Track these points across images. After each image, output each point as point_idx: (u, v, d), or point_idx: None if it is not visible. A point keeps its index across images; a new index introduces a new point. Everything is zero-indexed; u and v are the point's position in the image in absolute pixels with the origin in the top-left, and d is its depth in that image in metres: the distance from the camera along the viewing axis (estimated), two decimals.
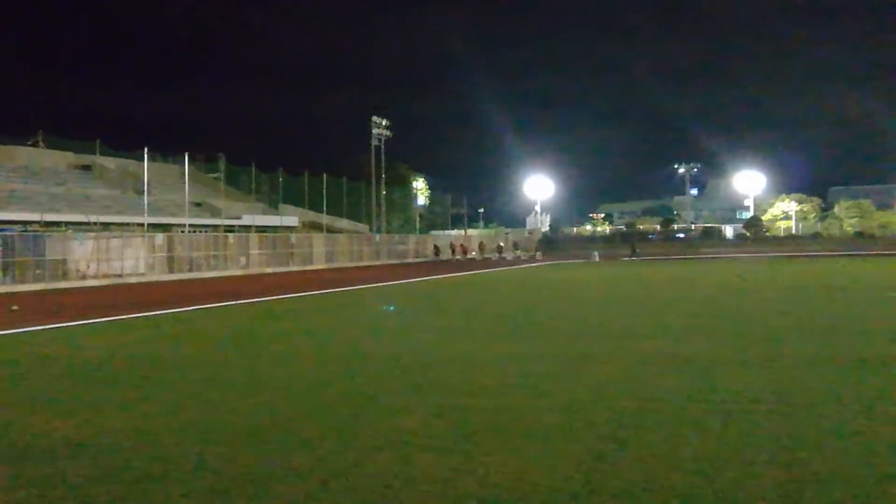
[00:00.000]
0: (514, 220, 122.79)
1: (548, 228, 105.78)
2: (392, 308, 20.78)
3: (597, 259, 67.42)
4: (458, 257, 71.07)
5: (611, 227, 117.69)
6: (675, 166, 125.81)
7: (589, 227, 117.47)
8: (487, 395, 9.11)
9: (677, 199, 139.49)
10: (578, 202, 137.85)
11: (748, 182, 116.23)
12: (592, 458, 6.49)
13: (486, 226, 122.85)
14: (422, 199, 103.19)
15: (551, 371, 10.69)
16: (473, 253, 73.63)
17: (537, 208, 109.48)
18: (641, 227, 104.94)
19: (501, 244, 77.63)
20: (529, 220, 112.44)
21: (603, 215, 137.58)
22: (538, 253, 75.40)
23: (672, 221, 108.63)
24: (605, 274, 41.48)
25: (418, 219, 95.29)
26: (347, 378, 10.54)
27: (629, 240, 79.66)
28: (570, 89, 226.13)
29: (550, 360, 11.67)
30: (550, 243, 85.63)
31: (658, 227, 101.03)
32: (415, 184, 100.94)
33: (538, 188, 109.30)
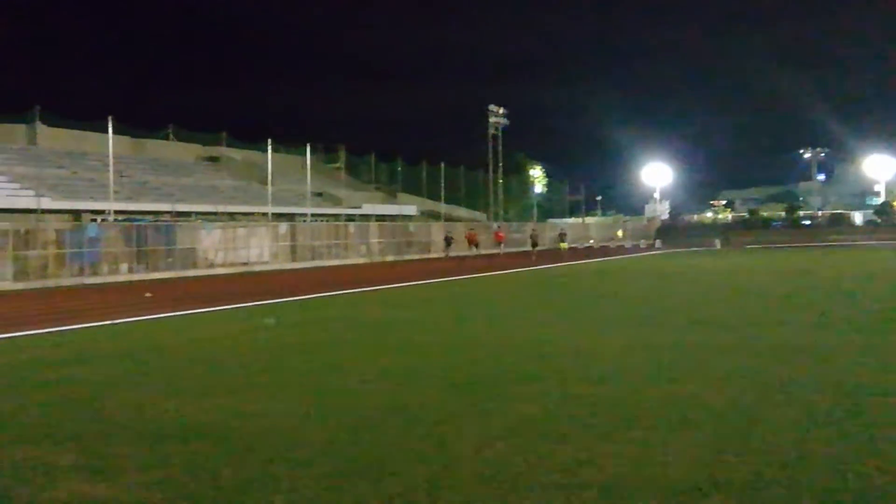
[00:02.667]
0: (633, 207, 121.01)
1: (667, 216, 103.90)
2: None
3: (718, 247, 65.90)
4: (461, 252, 52.92)
5: (733, 214, 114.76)
6: (801, 151, 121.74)
7: (710, 215, 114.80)
8: (609, 384, 9.04)
9: (803, 185, 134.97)
10: (698, 189, 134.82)
11: (878, 166, 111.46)
12: (716, 449, 6.38)
13: (603, 213, 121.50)
14: (539, 188, 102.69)
15: (674, 361, 10.53)
16: (501, 245, 56.65)
17: (656, 195, 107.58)
18: (765, 213, 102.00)
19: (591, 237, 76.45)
20: (648, 208, 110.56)
21: (724, 202, 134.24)
22: (657, 241, 74.15)
23: (797, 208, 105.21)
24: (726, 262, 40.51)
25: (535, 207, 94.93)
26: (468, 366, 10.62)
27: (720, 231, 77.75)
28: (689, 73, 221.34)
29: (673, 349, 11.50)
30: (670, 231, 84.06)
31: (783, 213, 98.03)
32: (532, 172, 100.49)
33: (656, 175, 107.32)
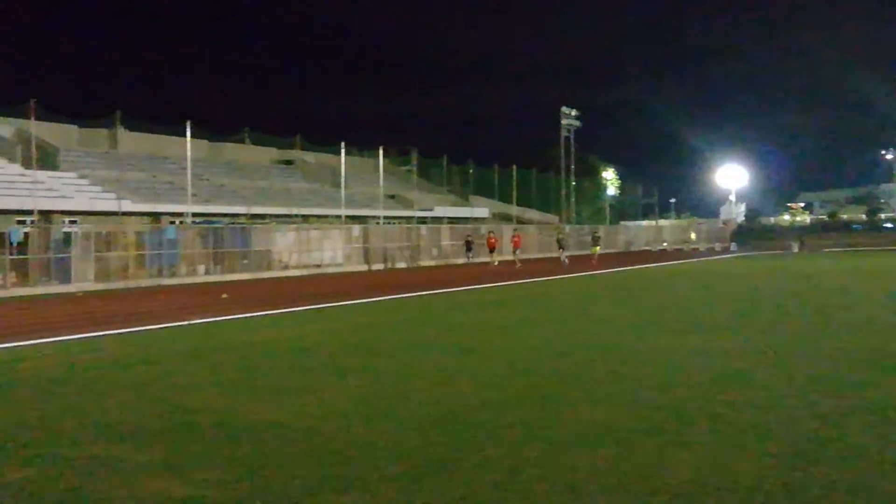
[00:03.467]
0: (707, 210, 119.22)
1: (743, 218, 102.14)
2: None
3: (796, 250, 64.59)
4: (485, 259, 47.48)
5: (811, 216, 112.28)
6: (883, 152, 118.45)
7: (787, 217, 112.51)
8: (679, 390, 8.94)
9: (885, 186, 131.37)
10: (775, 191, 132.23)
11: None
12: (790, 457, 6.26)
13: (677, 216, 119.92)
14: (612, 190, 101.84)
15: (747, 366, 10.37)
16: (517, 253, 45.47)
17: (731, 197, 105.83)
18: (845, 216, 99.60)
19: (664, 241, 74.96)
20: (723, 210, 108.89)
21: (803, 205, 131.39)
22: (732, 244, 72.96)
23: (879, 210, 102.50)
24: (804, 265, 39.67)
25: (608, 209, 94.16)
26: (536, 368, 10.60)
27: (797, 234, 75.98)
28: (767, 72, 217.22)
29: (746, 355, 11.31)
30: (746, 233, 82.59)
31: (864, 216, 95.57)
32: (604, 174, 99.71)
33: (732, 177, 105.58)
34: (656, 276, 33.01)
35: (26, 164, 45.18)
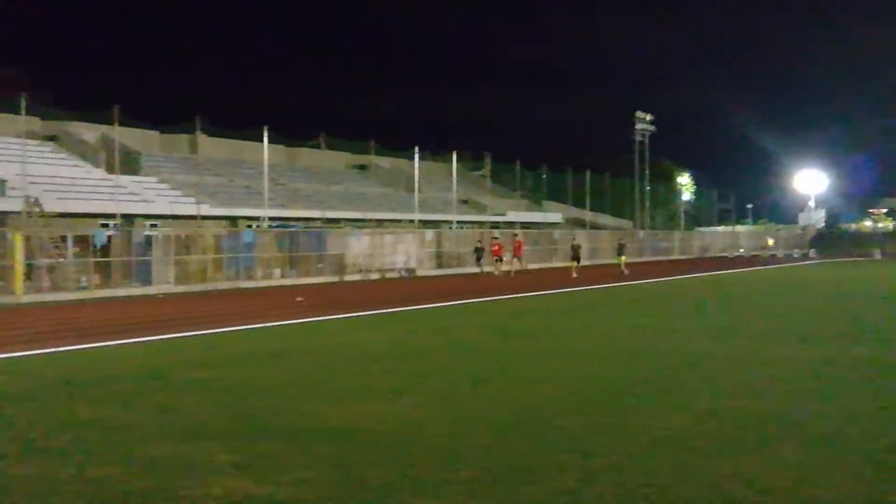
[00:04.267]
0: (785, 216, 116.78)
1: (822, 225, 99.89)
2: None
3: (878, 257, 62.93)
4: (486, 268, 41.78)
5: (894, 222, 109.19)
6: None
7: (869, 224, 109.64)
8: (759, 398, 8.79)
9: None
10: (856, 196, 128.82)
11: None
12: (873, 469, 6.11)
13: (754, 222, 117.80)
14: (687, 195, 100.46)
15: (828, 376, 10.15)
16: (514, 262, 41.78)
17: (811, 203, 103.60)
18: None
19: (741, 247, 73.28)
20: (802, 216, 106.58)
21: (885, 211, 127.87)
22: (811, 250, 71.41)
23: None
24: (888, 273, 38.63)
25: (683, 215, 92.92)
26: (613, 375, 10.51)
27: (880, 240, 74.05)
28: (844, 76, 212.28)
29: (826, 365, 11.07)
30: (826, 240, 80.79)
31: None
32: (679, 179, 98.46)
33: (811, 182, 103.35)
34: (735, 283, 32.46)
35: (110, 168, 46.36)
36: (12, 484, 6.06)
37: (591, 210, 73.31)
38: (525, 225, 63.68)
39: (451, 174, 59.68)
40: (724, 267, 47.65)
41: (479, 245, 42.47)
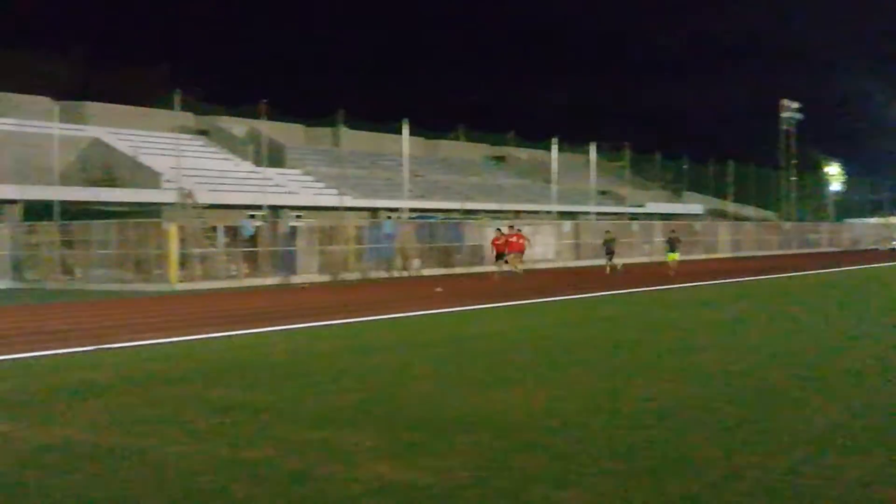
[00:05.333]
0: None
1: None
2: None
3: None
4: (500, 270, 32.66)
5: None
6: None
7: None
8: None
9: None
10: None
11: None
12: None
13: None
14: (836, 186, 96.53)
15: None
16: (512, 259, 33.05)
17: None
18: None
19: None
20: None
21: None
22: None
23: None
24: None
25: (832, 206, 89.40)
26: (756, 370, 10.28)
27: None
28: None
29: None
30: None
31: None
32: (828, 169, 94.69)
33: None
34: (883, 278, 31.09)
35: (257, 161, 48.00)
36: (170, 462, 6.40)
37: (735, 201, 71.39)
38: (665, 216, 62.57)
39: (589, 165, 59.19)
40: (872, 260, 45.62)
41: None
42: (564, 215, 53.12)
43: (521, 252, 33.67)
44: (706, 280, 29.41)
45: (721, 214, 70.14)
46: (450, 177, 60.63)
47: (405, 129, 46.03)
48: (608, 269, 34.19)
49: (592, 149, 58.45)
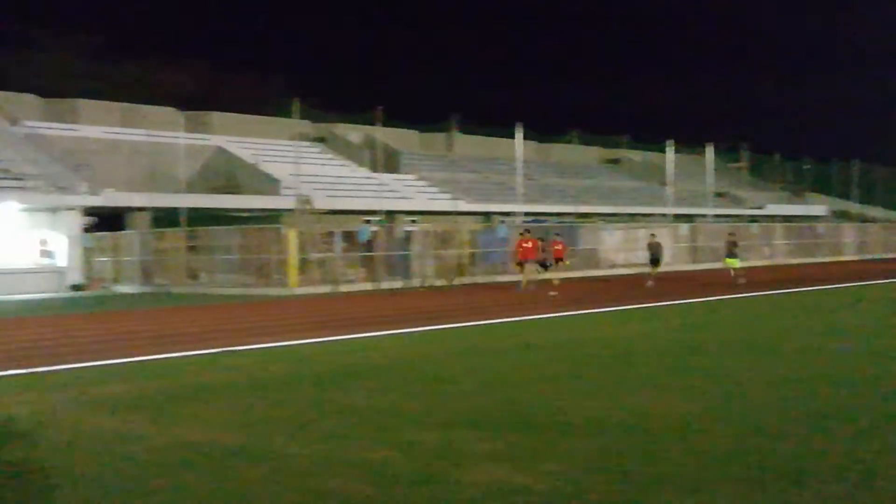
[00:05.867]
0: None
1: None
2: None
3: None
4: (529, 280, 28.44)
5: None
6: None
7: None
8: None
9: None
10: None
11: None
12: None
13: None
14: None
15: None
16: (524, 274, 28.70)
17: None
18: None
19: None
20: None
21: None
22: None
23: None
24: None
25: None
26: (889, 375, 9.91)
27: None
28: None
29: None
30: None
31: None
32: None
33: None
34: None
35: (373, 167, 48.75)
36: (290, 463, 6.55)
37: (860, 202, 68.87)
38: (786, 218, 60.84)
39: (705, 167, 58.01)
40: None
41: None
42: (680, 218, 52.20)
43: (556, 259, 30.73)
44: (829, 284, 28.43)
45: (845, 216, 67.72)
46: (563, 180, 60.31)
47: (518, 133, 45.99)
48: (650, 279, 28.68)
49: (709, 150, 57.24)
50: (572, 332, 15.65)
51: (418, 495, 5.65)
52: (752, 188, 67.84)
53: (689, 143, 65.17)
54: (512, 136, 47.03)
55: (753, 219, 58.07)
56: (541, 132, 62.99)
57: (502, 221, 43.39)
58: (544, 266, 29.44)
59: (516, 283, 28.84)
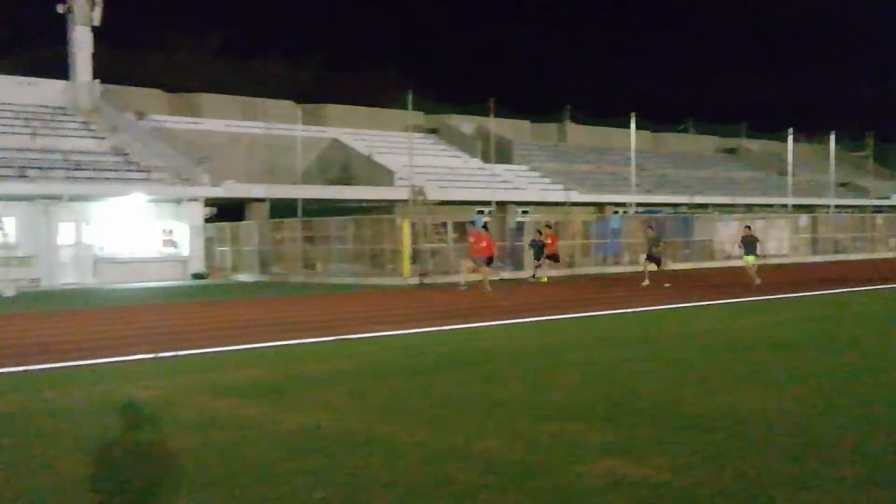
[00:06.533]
0: None
1: None
2: None
3: None
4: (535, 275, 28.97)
5: None
6: None
7: None
8: None
9: None
10: None
11: None
12: None
13: None
14: None
15: None
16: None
17: None
18: None
19: None
20: None
21: None
22: None
23: None
24: None
25: None
26: None
27: None
28: None
29: None
30: None
31: None
32: None
33: None
34: None
35: (485, 158, 48.90)
36: (406, 450, 6.66)
37: None
38: None
39: (827, 156, 56.23)
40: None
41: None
42: (801, 209, 50.71)
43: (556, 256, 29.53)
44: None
45: None
46: (678, 170, 59.30)
47: (632, 123, 45.44)
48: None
49: (831, 139, 55.39)
50: (686, 325, 15.44)
51: (535, 486, 5.69)
52: (876, 178, 65.34)
53: (810, 131, 63.25)
54: (625, 126, 46.50)
55: (878, 209, 55.93)
56: (655, 121, 62.06)
57: (616, 212, 43.01)
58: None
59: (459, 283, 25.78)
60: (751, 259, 25.52)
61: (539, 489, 5.63)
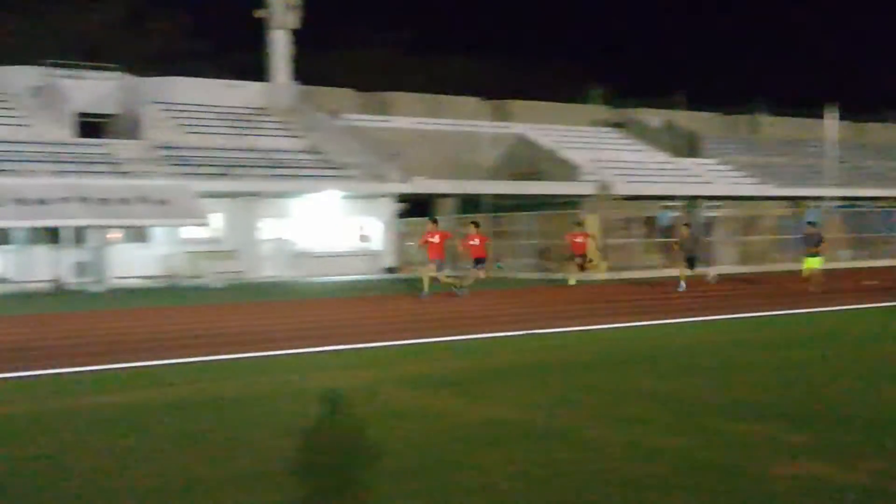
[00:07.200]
0: None
1: None
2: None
3: None
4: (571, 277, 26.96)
5: None
6: None
7: None
8: None
9: None
10: None
11: None
12: None
13: None
14: None
15: None
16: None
17: None
18: None
19: None
20: None
21: None
22: None
23: None
24: None
25: None
26: None
27: None
28: None
29: None
30: None
31: None
32: None
33: None
34: None
35: (673, 151, 47.95)
36: (598, 445, 6.67)
37: None
38: None
39: None
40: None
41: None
42: None
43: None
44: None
45: None
46: (881, 162, 56.13)
47: (831, 114, 43.42)
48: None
49: None
50: (886, 325, 14.73)
51: (723, 486, 5.59)
52: None
53: None
54: (822, 117, 44.49)
55: None
56: (855, 112, 58.97)
57: (813, 206, 41.29)
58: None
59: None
60: (814, 262, 22.17)
61: (733, 490, 5.51)
